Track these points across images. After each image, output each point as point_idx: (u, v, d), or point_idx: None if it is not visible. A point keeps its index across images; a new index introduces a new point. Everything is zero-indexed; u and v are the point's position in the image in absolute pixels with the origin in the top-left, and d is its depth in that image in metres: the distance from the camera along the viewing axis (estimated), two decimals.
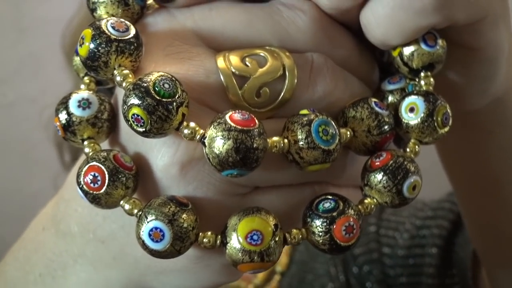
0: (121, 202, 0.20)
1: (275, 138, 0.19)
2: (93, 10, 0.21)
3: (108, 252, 0.23)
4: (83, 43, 0.19)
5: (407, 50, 0.21)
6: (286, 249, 0.49)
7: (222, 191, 0.20)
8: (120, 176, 0.19)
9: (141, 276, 0.23)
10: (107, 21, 0.19)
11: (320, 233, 0.19)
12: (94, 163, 0.20)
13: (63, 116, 0.21)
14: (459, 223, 0.45)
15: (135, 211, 0.20)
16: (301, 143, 0.18)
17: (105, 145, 0.22)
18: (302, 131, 0.19)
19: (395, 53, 0.21)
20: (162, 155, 0.19)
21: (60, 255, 0.24)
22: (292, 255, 0.49)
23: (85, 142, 0.21)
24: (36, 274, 0.25)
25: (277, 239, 0.19)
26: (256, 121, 0.18)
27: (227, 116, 0.18)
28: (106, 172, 0.19)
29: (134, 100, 0.18)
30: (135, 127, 0.18)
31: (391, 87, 0.22)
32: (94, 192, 0.19)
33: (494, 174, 0.31)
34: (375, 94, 0.22)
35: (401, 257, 0.47)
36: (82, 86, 0.22)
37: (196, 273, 0.21)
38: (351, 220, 0.19)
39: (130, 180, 0.20)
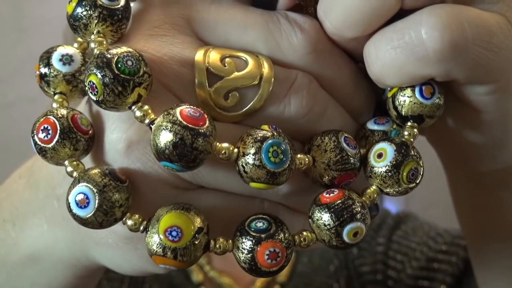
0: (66, 162, 0.20)
1: (225, 145, 0.18)
2: None
3: (59, 211, 0.23)
4: (71, 0, 0.19)
5: (401, 95, 0.20)
6: None
7: (163, 180, 0.20)
8: (71, 136, 0.19)
9: (82, 242, 0.23)
10: None
11: (244, 251, 0.19)
12: (51, 117, 0.20)
13: (43, 65, 0.21)
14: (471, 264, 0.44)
15: (75, 174, 0.20)
16: (248, 157, 0.18)
17: (80, 104, 0.22)
18: (252, 146, 0.18)
19: (389, 94, 0.20)
20: (114, 128, 0.20)
21: (23, 205, 0.25)
22: (294, 266, 0.49)
23: (56, 96, 0.21)
24: (0, 220, 0.26)
25: (196, 242, 0.18)
26: (207, 122, 0.18)
27: (178, 109, 0.18)
28: (58, 128, 0.19)
29: (94, 68, 0.18)
30: (89, 94, 0.18)
31: (375, 127, 0.21)
32: (42, 144, 0.19)
33: (505, 231, 0.30)
34: (358, 130, 0.22)
35: (407, 286, 0.46)
36: (75, 44, 0.22)
37: (125, 252, 0.21)
38: (278, 246, 0.18)
39: (80, 143, 0.20)
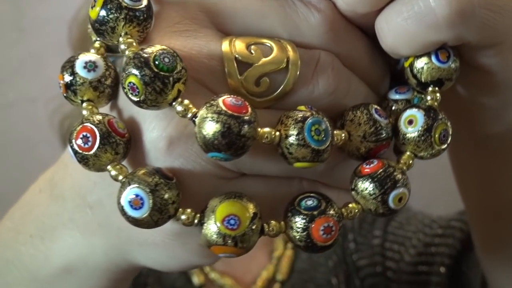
0: (108, 167, 0.20)
1: (267, 129, 0.19)
2: None
3: (94, 219, 0.23)
4: (94, 5, 0.19)
5: (418, 63, 0.21)
6: (287, 256, 0.49)
7: (207, 172, 0.20)
8: (111, 141, 0.20)
9: (123, 245, 0.23)
10: None
11: (298, 230, 0.19)
12: (88, 124, 0.20)
13: (67, 75, 0.21)
14: (468, 243, 0.44)
15: (120, 177, 0.20)
16: (291, 138, 0.19)
17: (105, 110, 0.22)
18: (294, 127, 0.19)
19: (406, 64, 0.21)
20: (153, 127, 0.20)
21: (51, 218, 0.25)
22: (293, 263, 0.49)
23: (84, 104, 0.21)
24: (27, 235, 0.25)
25: (253, 227, 0.19)
26: (249, 108, 0.18)
27: (220, 100, 0.18)
28: (98, 134, 0.20)
29: (132, 69, 0.18)
30: (130, 96, 0.18)
31: (397, 96, 0.22)
32: (84, 152, 0.20)
33: (508, 199, 0.31)
34: (380, 101, 0.22)
35: (407, 273, 0.47)
36: (92, 50, 0.22)
37: (173, 250, 0.22)
38: (331, 221, 0.19)
39: (120, 146, 0.20)
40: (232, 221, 0.19)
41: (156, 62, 0.18)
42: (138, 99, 0.18)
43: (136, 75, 0.18)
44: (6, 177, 0.92)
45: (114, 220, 0.22)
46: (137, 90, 0.18)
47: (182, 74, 0.18)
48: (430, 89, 0.21)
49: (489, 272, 0.38)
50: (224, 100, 0.18)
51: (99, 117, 0.20)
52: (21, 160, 0.91)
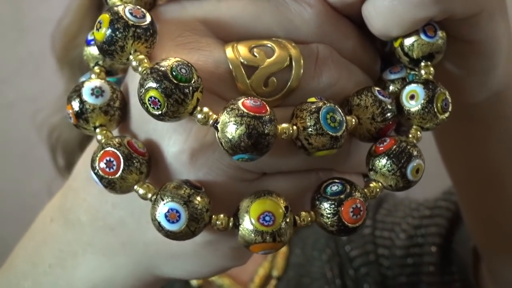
0: (135, 187, 0.20)
1: (285, 125, 0.19)
2: None
3: (117, 239, 0.23)
4: (100, 27, 0.20)
5: (408, 41, 0.22)
6: (282, 252, 0.49)
7: (231, 177, 0.20)
8: (134, 161, 0.20)
9: (150, 261, 0.23)
10: (125, 7, 0.20)
11: (329, 215, 0.20)
12: (109, 148, 0.20)
13: (76, 104, 0.21)
14: (456, 221, 0.46)
15: (149, 195, 0.20)
16: (309, 129, 0.19)
17: (115, 133, 0.22)
18: (311, 118, 0.19)
19: (396, 44, 0.22)
20: (173, 142, 0.20)
21: (69, 245, 0.25)
22: (288, 258, 0.49)
23: (97, 130, 0.21)
24: (46, 266, 0.25)
25: (288, 220, 0.20)
26: (268, 108, 0.19)
27: (239, 102, 0.19)
28: (121, 157, 0.20)
29: (152, 83, 0.18)
30: (151, 110, 0.19)
31: (392, 76, 0.23)
32: (110, 177, 0.20)
33: (494, 168, 0.32)
34: (376, 83, 0.23)
35: (399, 257, 0.48)
36: (93, 76, 0.23)
37: (204, 257, 0.22)
38: (358, 202, 0.20)
39: (143, 165, 0.20)
40: (267, 218, 0.19)
41: (174, 74, 0.18)
42: (160, 112, 0.19)
43: (156, 89, 0.18)
44: (6, 177, 0.92)
45: (139, 238, 0.22)
46: (159, 104, 0.18)
47: (199, 83, 0.19)
48: (422, 64, 0.22)
49: (481, 243, 0.39)
50: (244, 103, 0.19)
51: (118, 140, 0.20)
52: (21, 160, 0.91)
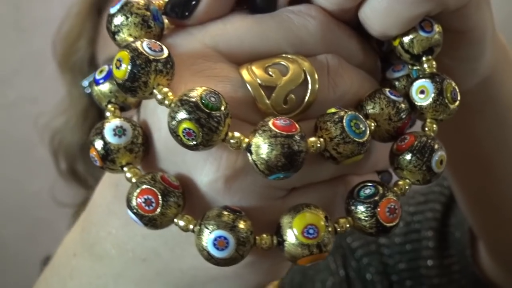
0: (175, 220, 0.20)
1: (312, 139, 0.20)
2: (115, 33, 0.21)
3: (150, 269, 0.23)
4: (120, 65, 0.19)
5: (407, 39, 0.22)
6: None
7: (264, 197, 0.21)
8: (172, 196, 0.20)
9: (187, 286, 0.23)
10: (142, 42, 0.20)
11: (367, 218, 0.20)
12: (145, 186, 0.20)
13: (100, 146, 0.21)
14: (450, 205, 0.47)
15: (191, 226, 0.20)
16: (336, 139, 0.20)
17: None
18: (336, 128, 0.20)
19: (395, 43, 0.22)
20: (206, 172, 0.20)
21: (99, 278, 0.24)
22: None
23: (125, 168, 0.21)
24: None
25: (330, 229, 0.20)
26: (297, 125, 0.19)
27: (270, 123, 0.19)
28: (158, 194, 0.20)
29: (185, 115, 0.18)
30: (186, 141, 0.19)
31: (396, 74, 0.23)
32: (150, 215, 0.20)
33: (483, 152, 0.33)
34: (381, 84, 0.23)
35: (398, 245, 0.49)
36: (108, 114, 0.22)
37: (245, 277, 0.22)
38: (392, 201, 0.20)
39: (180, 198, 0.20)
40: (311, 231, 0.20)
41: (205, 103, 0.18)
42: (195, 143, 0.19)
43: (190, 120, 0.18)
44: (6, 177, 0.92)
45: (174, 266, 0.22)
46: (194, 134, 0.18)
47: (228, 109, 0.19)
48: (424, 58, 0.22)
49: (477, 224, 0.40)
50: (274, 123, 0.19)
51: (150, 176, 0.20)
52: (21, 160, 0.91)
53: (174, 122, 0.19)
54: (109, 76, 0.23)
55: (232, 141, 0.19)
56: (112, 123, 0.21)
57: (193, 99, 0.18)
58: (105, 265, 0.24)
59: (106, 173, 0.25)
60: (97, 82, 0.23)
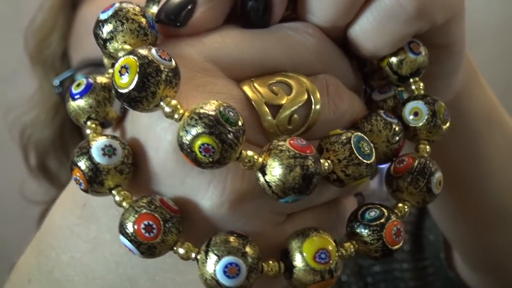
0: (175, 248, 0.19)
1: (321, 161, 0.19)
2: (106, 41, 0.19)
3: None
4: (126, 73, 0.18)
5: (395, 60, 0.22)
6: None
7: (266, 222, 0.20)
8: (173, 221, 0.19)
9: None
10: (149, 49, 0.18)
11: (373, 241, 0.20)
12: (144, 211, 0.18)
13: (85, 167, 0.19)
14: (425, 208, 0.48)
15: (193, 254, 0.19)
16: (345, 161, 0.19)
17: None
18: (344, 150, 0.19)
19: (383, 63, 0.22)
20: (209, 195, 0.19)
21: None
22: None
23: (114, 191, 0.19)
24: None
25: (340, 254, 0.19)
26: (312, 147, 0.18)
27: (287, 143, 0.18)
28: (160, 219, 0.18)
29: (204, 129, 0.17)
30: (202, 159, 0.17)
31: (382, 96, 0.23)
32: (150, 242, 0.18)
33: (454, 165, 0.34)
34: (367, 105, 0.23)
35: None
36: (88, 131, 0.21)
37: None
38: (397, 224, 0.20)
39: (180, 224, 0.19)
40: (323, 255, 0.19)
41: (224, 118, 0.17)
42: (212, 160, 0.17)
43: (209, 135, 0.17)
44: (6, 177, 0.92)
45: None
46: (213, 150, 0.17)
47: (245, 125, 0.18)
48: (411, 80, 0.22)
49: (450, 235, 0.41)
50: (291, 143, 0.18)
51: (147, 199, 0.19)
52: (21, 160, 0.91)
53: (188, 137, 0.17)
54: (88, 90, 0.20)
55: (246, 160, 0.18)
56: (99, 142, 0.19)
57: (212, 113, 0.17)
58: None
59: (66, 190, 0.23)
60: (73, 97, 0.21)
